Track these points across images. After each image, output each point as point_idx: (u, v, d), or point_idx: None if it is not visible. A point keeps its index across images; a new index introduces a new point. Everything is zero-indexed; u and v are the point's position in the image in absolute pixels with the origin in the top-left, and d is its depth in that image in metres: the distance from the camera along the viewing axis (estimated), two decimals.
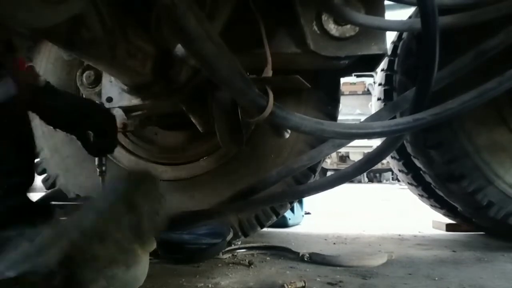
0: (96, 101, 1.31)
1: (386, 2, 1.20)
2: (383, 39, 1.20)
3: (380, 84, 2.08)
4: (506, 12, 1.05)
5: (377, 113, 1.21)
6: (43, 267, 0.61)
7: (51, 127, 1.13)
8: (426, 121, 0.93)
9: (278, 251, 1.52)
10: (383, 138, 1.17)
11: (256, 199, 1.31)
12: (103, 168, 1.21)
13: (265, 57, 1.06)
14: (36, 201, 0.92)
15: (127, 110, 1.31)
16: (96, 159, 1.21)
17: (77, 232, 0.62)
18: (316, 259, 1.36)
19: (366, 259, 1.35)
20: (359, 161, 1.20)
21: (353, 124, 1.09)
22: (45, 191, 1.63)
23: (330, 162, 8.67)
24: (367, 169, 1.19)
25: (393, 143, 1.11)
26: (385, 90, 2.00)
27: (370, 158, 1.15)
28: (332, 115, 1.55)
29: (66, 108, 1.08)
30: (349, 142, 1.32)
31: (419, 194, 2.19)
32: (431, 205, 2.18)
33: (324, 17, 1.17)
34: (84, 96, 1.39)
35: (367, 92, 8.84)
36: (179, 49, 1.05)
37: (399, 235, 2.05)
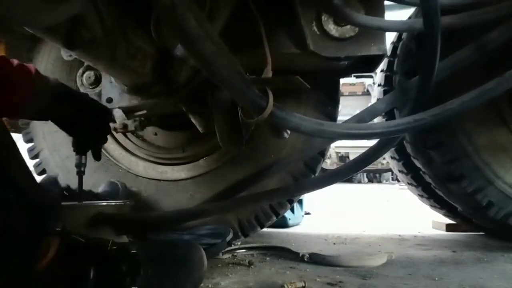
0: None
1: (386, 2, 1.20)
2: (382, 39, 1.20)
3: (379, 85, 2.09)
4: (506, 12, 1.06)
5: (372, 106, 1.21)
6: None
7: (50, 127, 1.10)
8: (426, 121, 0.93)
9: (278, 251, 1.51)
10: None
11: (243, 197, 1.31)
12: (82, 168, 1.14)
13: (265, 57, 1.06)
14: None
15: (127, 110, 1.31)
16: (76, 157, 1.13)
17: None
18: (316, 259, 1.36)
19: (366, 259, 1.34)
20: (354, 159, 1.20)
21: (353, 124, 1.09)
22: None
23: (330, 162, 8.66)
24: (362, 168, 1.19)
25: (389, 142, 1.11)
26: (384, 91, 2.00)
27: (366, 157, 1.15)
28: (332, 115, 1.55)
29: (77, 111, 1.02)
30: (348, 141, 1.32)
31: (419, 195, 2.19)
32: (431, 205, 2.18)
33: (324, 18, 1.17)
34: None
35: (367, 93, 8.85)
36: (179, 49, 1.04)
37: (399, 235, 2.05)
